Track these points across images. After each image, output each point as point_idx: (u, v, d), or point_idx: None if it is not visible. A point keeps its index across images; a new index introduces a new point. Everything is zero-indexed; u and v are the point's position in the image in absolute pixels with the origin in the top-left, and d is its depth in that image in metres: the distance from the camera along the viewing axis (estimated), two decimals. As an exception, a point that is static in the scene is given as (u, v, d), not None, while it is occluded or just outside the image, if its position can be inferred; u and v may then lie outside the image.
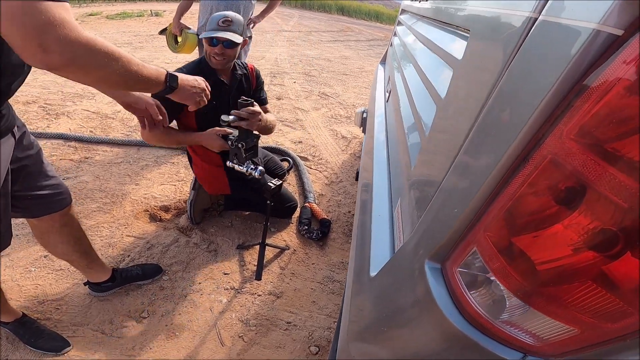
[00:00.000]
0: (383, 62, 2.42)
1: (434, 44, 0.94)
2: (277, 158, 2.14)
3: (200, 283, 1.55)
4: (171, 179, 2.22)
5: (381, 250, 0.75)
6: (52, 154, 2.31)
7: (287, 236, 1.89)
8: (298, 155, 2.64)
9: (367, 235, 0.82)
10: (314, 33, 9.62)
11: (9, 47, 0.61)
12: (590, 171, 0.29)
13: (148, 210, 1.92)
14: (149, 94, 1.10)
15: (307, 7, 16.84)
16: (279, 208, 1.85)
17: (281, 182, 1.57)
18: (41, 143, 2.37)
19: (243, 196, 1.81)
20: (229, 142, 1.42)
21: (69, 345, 1.23)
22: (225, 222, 1.90)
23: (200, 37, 1.56)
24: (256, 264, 1.63)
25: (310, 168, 2.56)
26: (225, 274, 1.61)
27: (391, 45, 2.25)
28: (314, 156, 2.74)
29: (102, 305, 1.40)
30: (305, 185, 2.24)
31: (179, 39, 2.48)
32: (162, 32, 2.61)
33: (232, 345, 1.32)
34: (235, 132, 1.42)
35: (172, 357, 1.26)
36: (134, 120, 2.99)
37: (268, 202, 1.57)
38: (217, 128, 1.52)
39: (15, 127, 0.89)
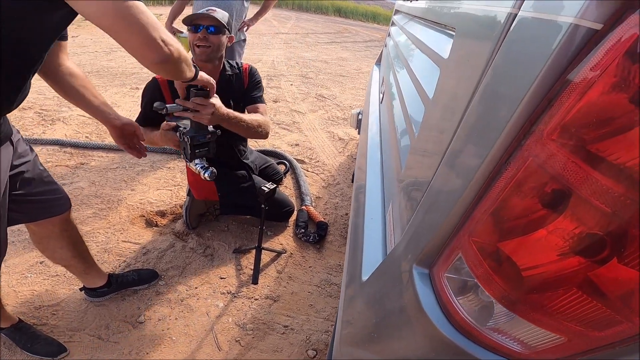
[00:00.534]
0: (378, 63, 2.41)
1: (423, 43, 0.93)
2: (276, 164, 2.12)
3: (196, 288, 1.54)
4: (167, 184, 2.21)
5: (373, 254, 0.74)
6: (48, 160, 2.30)
7: (284, 239, 1.88)
8: (295, 158, 2.63)
9: (359, 239, 0.81)
10: (311, 35, 9.63)
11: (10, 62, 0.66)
12: (573, 174, 0.28)
13: (144, 216, 1.91)
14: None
15: (304, 8, 16.88)
16: (275, 212, 1.84)
17: (275, 185, 1.56)
18: (37, 149, 2.38)
19: (236, 201, 1.78)
20: (177, 134, 1.27)
21: (66, 351, 1.22)
22: (221, 227, 1.89)
23: (187, 25, 1.47)
24: (253, 267, 1.62)
25: (307, 171, 2.55)
26: (221, 278, 1.60)
27: (385, 46, 2.24)
28: (311, 159, 2.73)
29: (99, 311, 1.39)
30: (302, 188, 2.23)
31: None
32: None
33: (229, 350, 1.31)
34: (187, 124, 1.26)
35: (167, 363, 1.25)
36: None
37: (263, 206, 1.55)
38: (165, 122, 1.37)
39: (13, 135, 0.89)
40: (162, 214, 1.94)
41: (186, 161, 1.32)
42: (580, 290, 0.30)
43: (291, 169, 2.46)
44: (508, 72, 0.36)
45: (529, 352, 0.35)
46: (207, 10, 1.43)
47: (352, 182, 2.34)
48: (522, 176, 0.30)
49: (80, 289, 1.40)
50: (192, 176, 1.74)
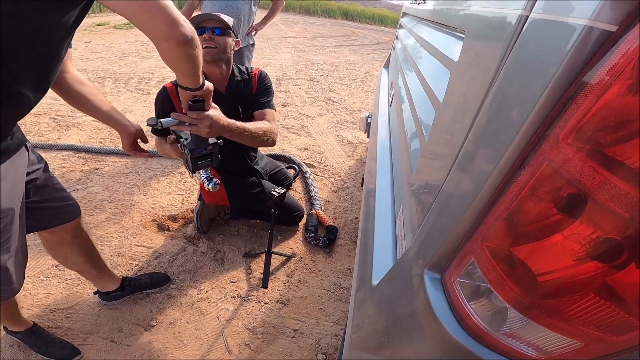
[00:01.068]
0: (386, 66, 2.41)
1: (432, 46, 0.93)
2: (285, 169, 2.12)
3: (207, 291, 1.55)
4: (178, 189, 2.24)
5: (384, 259, 0.73)
6: (63, 166, 2.36)
7: (294, 243, 1.88)
8: (304, 162, 2.64)
9: (369, 243, 0.81)
10: (318, 38, 9.69)
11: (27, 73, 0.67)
12: (589, 179, 0.28)
13: (156, 220, 1.93)
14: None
15: (311, 12, 17.00)
16: (285, 216, 1.84)
17: (285, 190, 1.56)
18: (52, 155, 2.45)
19: (246, 206, 1.79)
20: (179, 146, 1.22)
21: (79, 353, 1.24)
22: (231, 231, 1.90)
23: (195, 26, 1.49)
24: (262, 271, 1.63)
25: (317, 175, 2.55)
26: (232, 282, 1.61)
27: (393, 49, 2.24)
28: (320, 163, 2.73)
29: (112, 314, 1.41)
30: (311, 193, 2.23)
31: None
32: None
33: (239, 354, 1.31)
34: (189, 135, 1.19)
35: (179, 367, 1.26)
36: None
37: (273, 210, 1.56)
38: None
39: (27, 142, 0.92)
40: (173, 218, 1.96)
41: (189, 173, 1.27)
42: (597, 296, 0.29)
43: (300, 173, 2.47)
44: (520, 76, 0.35)
45: (544, 357, 0.34)
46: (214, 14, 1.45)
47: (362, 185, 2.33)
48: (537, 181, 0.30)
49: (94, 293, 1.43)
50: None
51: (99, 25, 8.27)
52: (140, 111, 3.43)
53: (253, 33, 2.59)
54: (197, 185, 2.25)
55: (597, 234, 0.29)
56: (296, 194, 2.28)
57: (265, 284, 1.59)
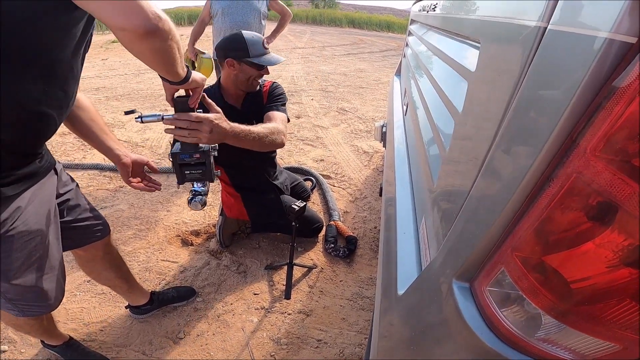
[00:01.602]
0: (398, 73, 2.43)
1: (445, 55, 0.94)
2: (303, 181, 2.15)
3: (231, 304, 1.58)
4: (199, 203, 2.29)
5: (408, 268, 0.74)
6: (90, 185, 2.46)
7: (314, 255, 1.89)
8: (320, 174, 2.66)
9: (393, 253, 0.82)
10: (327, 48, 9.81)
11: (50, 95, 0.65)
12: (619, 190, 0.28)
13: (180, 235, 1.99)
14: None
15: (317, 22, 17.23)
16: (305, 229, 1.86)
17: (305, 203, 1.59)
18: (79, 174, 2.56)
19: (266, 221, 1.82)
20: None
21: None
22: (253, 244, 1.94)
23: (257, 62, 1.45)
24: (285, 283, 1.64)
25: (334, 186, 2.57)
26: (255, 294, 1.63)
27: (404, 56, 2.26)
28: (337, 173, 2.75)
29: (142, 327, 1.45)
30: (329, 204, 2.25)
31: (196, 64, 2.57)
32: None
33: (266, 366, 1.33)
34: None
35: (208, 379, 1.28)
36: (162, 147, 3.14)
37: (293, 223, 1.58)
38: None
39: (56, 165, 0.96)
40: (196, 233, 2.01)
41: (177, 184, 1.12)
42: (633, 301, 0.30)
43: (317, 185, 2.49)
44: (542, 88, 0.36)
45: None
46: (264, 43, 1.50)
47: (380, 195, 2.33)
48: (566, 192, 0.31)
49: (126, 307, 1.48)
50: (224, 194, 1.80)
51: (113, 42, 8.59)
52: (159, 128, 3.55)
53: (265, 46, 2.66)
54: (217, 201, 2.30)
55: (630, 242, 0.29)
56: (314, 205, 2.30)
57: (288, 295, 1.60)
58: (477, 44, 0.68)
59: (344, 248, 1.86)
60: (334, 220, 2.06)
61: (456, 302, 0.46)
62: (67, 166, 2.65)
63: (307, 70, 6.71)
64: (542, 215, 0.33)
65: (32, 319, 1.06)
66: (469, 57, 0.71)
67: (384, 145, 1.89)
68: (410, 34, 2.19)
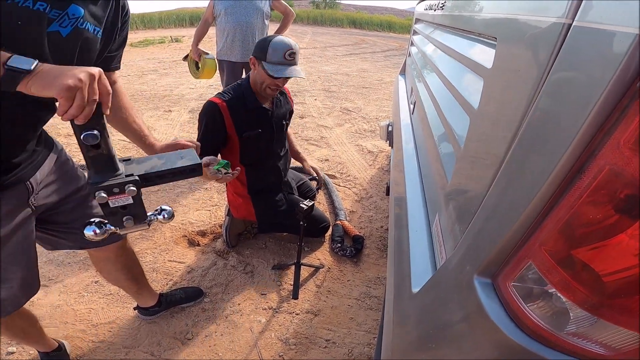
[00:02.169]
0: (402, 72, 2.42)
1: (456, 52, 0.94)
2: (309, 181, 2.15)
3: (239, 304, 1.58)
4: (205, 205, 2.30)
5: (422, 266, 0.73)
6: (96, 187, 2.46)
7: (321, 255, 1.89)
8: (326, 174, 2.66)
9: (405, 251, 0.81)
10: (329, 48, 9.82)
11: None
12: (651, 180, 0.28)
13: (186, 236, 1.99)
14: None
15: (318, 22, 17.24)
16: (312, 228, 1.86)
17: (312, 203, 1.59)
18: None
19: (274, 221, 1.82)
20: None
21: None
22: (259, 244, 1.94)
23: (267, 68, 1.44)
24: (292, 283, 1.64)
25: (339, 185, 2.57)
26: (262, 294, 1.63)
27: (409, 55, 2.25)
28: (342, 173, 2.75)
29: (150, 328, 1.45)
30: (335, 203, 2.25)
31: (200, 65, 2.57)
32: (185, 58, 2.73)
33: (275, 366, 1.33)
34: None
35: (217, 379, 1.28)
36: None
37: (301, 223, 1.58)
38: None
39: (35, 177, 0.90)
40: (202, 233, 2.01)
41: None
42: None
43: (323, 184, 2.49)
44: (569, 83, 0.36)
45: (614, 353, 0.34)
46: (290, 54, 1.44)
47: (386, 194, 2.33)
48: (598, 184, 0.31)
49: (134, 308, 1.48)
50: (231, 195, 1.81)
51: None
52: (163, 129, 3.56)
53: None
54: (223, 201, 2.31)
55: (663, 234, 0.29)
56: (320, 205, 2.30)
57: (295, 295, 1.60)
58: (492, 41, 0.68)
59: (351, 247, 1.86)
60: (340, 220, 2.06)
61: (478, 298, 0.46)
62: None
63: (310, 70, 6.72)
64: (572, 208, 0.33)
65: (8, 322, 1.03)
66: (484, 54, 0.71)
67: (390, 145, 1.89)
68: (415, 32, 2.19)
